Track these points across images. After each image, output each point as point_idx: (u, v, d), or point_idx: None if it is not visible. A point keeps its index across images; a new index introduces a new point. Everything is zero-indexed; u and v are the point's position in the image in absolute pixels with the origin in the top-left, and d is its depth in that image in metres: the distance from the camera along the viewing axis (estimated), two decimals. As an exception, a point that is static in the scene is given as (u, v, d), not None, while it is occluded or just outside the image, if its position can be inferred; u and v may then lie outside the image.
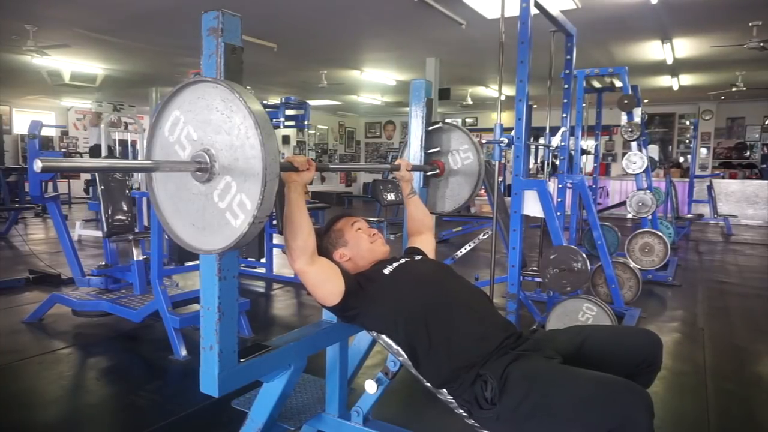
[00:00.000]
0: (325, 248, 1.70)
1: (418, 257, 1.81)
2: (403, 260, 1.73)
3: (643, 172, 5.12)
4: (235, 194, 1.15)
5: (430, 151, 2.13)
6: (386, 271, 1.64)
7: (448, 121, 2.30)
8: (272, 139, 1.12)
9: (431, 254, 1.92)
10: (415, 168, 2.03)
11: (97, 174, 3.72)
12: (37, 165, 0.90)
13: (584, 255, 2.98)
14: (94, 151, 9.06)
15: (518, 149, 3.01)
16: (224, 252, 1.19)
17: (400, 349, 1.56)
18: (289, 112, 5.46)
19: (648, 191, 5.12)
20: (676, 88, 9.78)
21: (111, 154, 8.21)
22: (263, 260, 5.07)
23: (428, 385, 1.52)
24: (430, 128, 2.19)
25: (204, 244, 1.21)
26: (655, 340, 1.51)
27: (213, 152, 1.17)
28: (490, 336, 1.49)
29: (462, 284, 1.68)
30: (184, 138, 1.22)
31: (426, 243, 1.94)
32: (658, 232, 5.03)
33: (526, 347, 1.49)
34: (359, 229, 1.76)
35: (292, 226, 1.43)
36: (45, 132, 6.14)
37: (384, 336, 1.60)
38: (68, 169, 1.01)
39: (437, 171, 2.20)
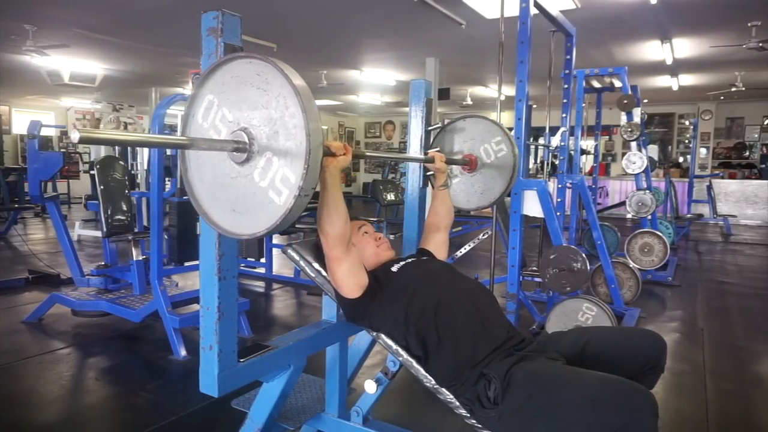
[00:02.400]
0: None
1: (424, 257, 1.82)
2: (409, 260, 1.75)
3: (643, 172, 5.12)
4: (277, 170, 1.10)
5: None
6: (394, 269, 1.66)
7: (474, 115, 2.17)
8: (312, 105, 1.07)
9: (443, 253, 1.92)
10: (449, 161, 1.99)
11: (97, 174, 3.71)
12: (75, 135, 0.87)
13: (584, 255, 2.98)
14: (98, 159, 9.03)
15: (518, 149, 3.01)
16: (272, 229, 1.13)
17: (400, 349, 1.56)
18: (288, 112, 5.44)
19: (648, 191, 5.12)
20: (675, 88, 9.78)
21: (110, 154, 8.20)
22: (263, 260, 5.07)
23: (429, 384, 1.52)
24: (456, 119, 2.11)
25: (247, 228, 1.15)
26: (659, 342, 1.51)
27: (251, 130, 1.12)
28: (492, 334, 1.50)
29: (467, 283, 1.69)
30: (219, 121, 1.17)
31: (439, 241, 1.93)
32: (658, 232, 5.03)
33: (529, 349, 1.49)
34: (366, 233, 1.77)
35: (329, 212, 1.40)
36: (44, 132, 6.14)
37: (384, 336, 1.60)
38: (103, 142, 0.95)
39: (469, 165, 2.10)
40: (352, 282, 1.54)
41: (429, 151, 1.95)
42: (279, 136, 1.09)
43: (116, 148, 9.31)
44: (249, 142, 1.12)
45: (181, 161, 1.24)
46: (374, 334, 1.63)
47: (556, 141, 3.58)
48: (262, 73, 1.10)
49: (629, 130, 4.96)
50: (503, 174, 2.07)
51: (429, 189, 2.09)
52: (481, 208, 2.19)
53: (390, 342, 1.58)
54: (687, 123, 12.27)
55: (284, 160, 1.09)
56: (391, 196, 7.49)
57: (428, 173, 2.09)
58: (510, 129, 3.09)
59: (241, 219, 1.16)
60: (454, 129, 2.15)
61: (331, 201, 1.39)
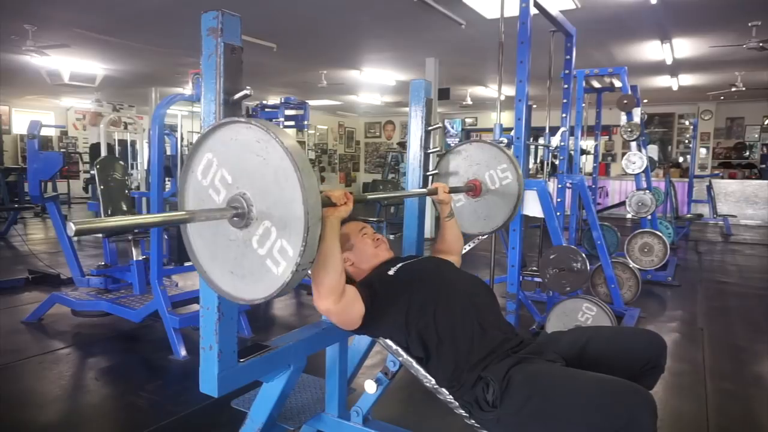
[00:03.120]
0: None
1: (423, 256, 1.81)
2: (406, 261, 1.73)
3: (643, 172, 5.12)
4: (275, 240, 1.08)
5: (429, 151, 2.11)
6: (390, 272, 1.64)
7: (481, 141, 2.15)
8: (312, 180, 1.05)
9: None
10: (453, 190, 1.97)
11: (96, 173, 3.72)
12: (71, 229, 0.84)
13: (584, 255, 2.98)
14: (94, 150, 9.05)
15: (518, 149, 3.01)
16: (269, 298, 1.12)
17: (400, 349, 1.56)
18: (288, 112, 5.44)
19: (647, 191, 5.12)
20: (675, 88, 9.78)
21: (111, 152, 8.21)
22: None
23: (428, 384, 1.52)
24: (464, 143, 2.10)
25: (244, 293, 1.15)
26: (659, 342, 1.50)
27: (249, 196, 1.10)
28: (489, 335, 1.49)
29: (466, 280, 1.68)
30: (218, 182, 1.14)
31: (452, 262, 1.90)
32: (658, 232, 5.03)
33: (528, 351, 1.49)
34: (365, 234, 1.76)
35: (325, 264, 1.32)
36: (44, 132, 6.14)
37: (384, 338, 1.59)
38: (103, 230, 0.95)
39: (473, 191, 2.07)
40: (348, 319, 1.49)
41: (432, 183, 1.93)
42: (277, 207, 1.07)
43: (116, 148, 9.32)
44: (247, 208, 1.10)
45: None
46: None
47: (556, 141, 3.59)
48: (262, 141, 1.08)
49: (629, 130, 4.96)
50: (507, 202, 2.05)
51: (429, 182, 2.07)
52: (483, 234, 2.16)
53: (390, 342, 1.58)
54: (687, 123, 12.27)
55: (282, 231, 1.07)
56: (391, 196, 7.48)
57: (429, 173, 2.09)
58: (510, 129, 3.11)
59: (239, 283, 1.16)
60: (461, 152, 2.13)
61: (329, 252, 1.32)
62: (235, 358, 1.36)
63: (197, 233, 1.21)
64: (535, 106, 5.88)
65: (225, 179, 1.14)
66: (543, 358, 1.46)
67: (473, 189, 2.07)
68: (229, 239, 1.15)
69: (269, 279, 1.10)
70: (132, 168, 8.70)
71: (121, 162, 4.03)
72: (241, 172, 1.12)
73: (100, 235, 3.87)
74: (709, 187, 9.10)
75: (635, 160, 4.99)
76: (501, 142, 2.92)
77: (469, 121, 15.34)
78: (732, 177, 11.29)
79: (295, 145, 1.07)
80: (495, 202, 2.08)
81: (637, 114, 5.06)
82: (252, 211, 1.10)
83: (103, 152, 7.22)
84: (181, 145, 7.31)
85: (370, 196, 1.63)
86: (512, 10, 3.00)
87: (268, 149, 1.08)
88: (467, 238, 2.07)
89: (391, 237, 6.37)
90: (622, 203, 5.95)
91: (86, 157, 11.89)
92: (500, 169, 2.05)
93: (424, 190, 1.94)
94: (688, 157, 11.24)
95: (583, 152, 4.96)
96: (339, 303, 1.39)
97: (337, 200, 1.34)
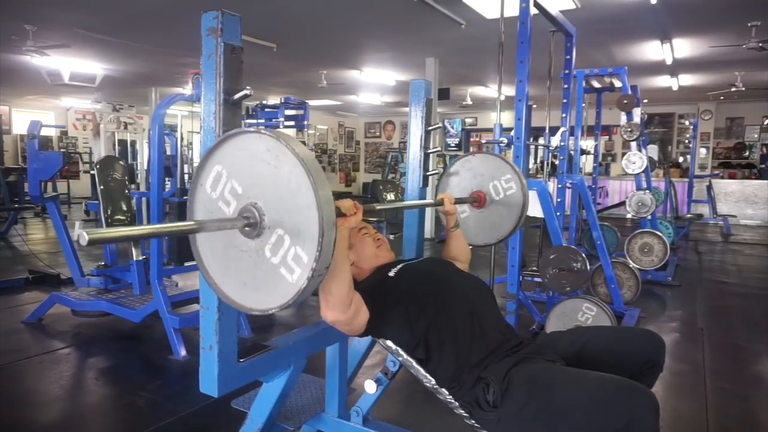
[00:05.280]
0: None
1: (423, 257, 1.81)
2: (407, 262, 1.73)
3: (643, 172, 5.12)
4: (288, 248, 1.07)
5: (429, 151, 2.11)
6: (391, 273, 1.63)
7: (484, 152, 2.17)
8: (326, 186, 1.04)
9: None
10: (458, 201, 1.97)
11: (96, 174, 3.72)
12: (84, 239, 0.83)
13: (584, 255, 2.98)
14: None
15: (518, 149, 3.02)
16: (284, 307, 1.10)
17: (400, 349, 1.56)
18: (288, 112, 5.44)
19: (647, 191, 5.12)
20: (675, 88, 9.79)
21: (112, 157, 8.20)
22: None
23: (428, 384, 1.52)
24: (466, 155, 2.11)
25: (259, 303, 1.13)
26: (658, 341, 1.51)
27: (260, 205, 1.09)
28: (489, 336, 1.49)
29: (465, 281, 1.68)
30: (228, 193, 1.13)
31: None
32: (658, 232, 5.03)
33: (528, 351, 1.48)
34: (366, 233, 1.76)
35: (335, 275, 1.31)
36: (44, 132, 6.13)
37: (385, 339, 1.59)
38: (115, 240, 0.94)
39: (478, 202, 2.07)
40: (355, 329, 1.49)
41: (438, 195, 1.93)
42: (291, 215, 1.06)
43: (116, 148, 9.31)
44: (259, 217, 1.09)
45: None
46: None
47: (556, 141, 3.59)
48: (273, 149, 1.07)
49: (629, 130, 4.96)
50: (512, 212, 2.05)
51: (430, 182, 2.07)
52: (489, 244, 2.16)
53: (390, 342, 1.58)
54: (687, 123, 12.28)
55: (296, 238, 1.06)
56: (391, 196, 7.49)
57: (429, 173, 2.09)
58: (510, 129, 3.11)
59: (252, 294, 1.14)
60: (464, 164, 2.13)
61: (338, 263, 1.31)
62: (235, 358, 1.36)
63: (208, 248, 1.20)
64: (535, 106, 5.89)
65: (235, 190, 1.12)
66: (543, 358, 1.46)
67: (478, 200, 2.07)
68: (240, 251, 1.13)
69: (284, 287, 1.08)
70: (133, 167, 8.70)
71: (121, 162, 4.03)
72: (252, 182, 1.11)
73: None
74: (709, 187, 9.11)
75: (635, 160, 4.99)
76: (501, 143, 2.92)
77: (469, 121, 15.34)
78: (732, 177, 11.29)
79: (307, 152, 1.06)
80: (500, 213, 2.07)
81: (637, 114, 5.06)
82: (264, 220, 1.09)
83: (104, 152, 7.22)
84: (181, 145, 7.31)
85: (379, 206, 1.61)
86: (512, 10, 3.01)
87: (279, 157, 1.07)
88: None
89: (391, 237, 6.36)
90: (622, 203, 5.95)
91: (86, 158, 11.91)
92: (504, 180, 2.05)
93: (431, 201, 1.94)
94: (688, 157, 11.24)
95: (583, 152, 4.96)
96: (347, 313, 1.39)
97: (347, 211, 1.35)
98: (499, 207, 2.07)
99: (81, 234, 0.83)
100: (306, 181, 1.04)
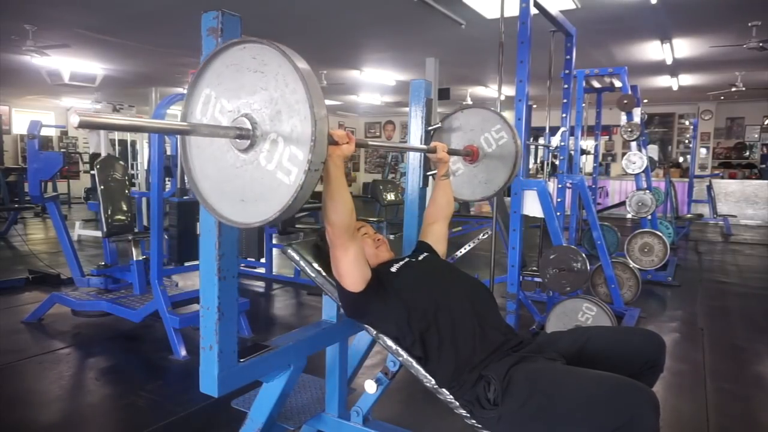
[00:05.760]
0: None
1: (422, 257, 1.81)
2: (408, 259, 1.74)
3: (643, 172, 5.12)
4: (283, 150, 1.08)
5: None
6: (393, 269, 1.65)
7: (472, 106, 2.15)
8: (312, 77, 1.05)
9: (442, 247, 1.91)
10: (451, 152, 1.97)
11: (97, 174, 3.71)
12: (75, 119, 0.85)
13: (584, 255, 2.98)
14: (95, 159, 9.01)
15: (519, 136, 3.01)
16: (284, 211, 1.09)
17: (400, 349, 1.56)
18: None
19: (647, 191, 5.12)
20: (675, 88, 9.78)
21: (111, 156, 8.21)
22: (263, 260, 5.07)
23: (428, 384, 1.52)
24: (453, 112, 2.10)
25: (260, 214, 1.12)
26: (658, 341, 1.51)
27: (253, 115, 1.10)
28: (489, 336, 1.50)
29: (466, 282, 1.68)
30: (218, 113, 1.15)
31: (439, 234, 1.92)
32: (658, 232, 5.03)
33: (528, 350, 1.49)
34: (365, 234, 1.77)
35: (334, 202, 1.39)
36: (44, 132, 6.14)
37: (385, 337, 1.60)
38: (103, 126, 0.95)
39: (470, 156, 2.07)
40: (356, 273, 1.52)
41: (432, 143, 1.93)
42: (282, 115, 1.08)
43: (116, 147, 9.30)
44: (252, 127, 1.10)
45: (183, 160, 1.22)
46: (374, 333, 1.63)
47: (556, 141, 3.58)
48: (258, 56, 1.09)
49: (629, 130, 4.96)
50: (506, 162, 2.04)
51: (430, 182, 2.08)
52: (486, 198, 2.16)
53: (390, 342, 1.58)
54: (687, 123, 12.28)
55: (290, 137, 1.07)
56: (391, 196, 7.49)
57: (429, 173, 2.09)
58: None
59: (251, 208, 1.14)
60: (452, 122, 2.13)
61: (336, 190, 1.38)
62: (235, 358, 1.36)
63: (203, 176, 1.20)
64: (535, 106, 5.89)
65: (225, 108, 1.14)
66: (544, 357, 1.46)
67: (471, 154, 2.07)
68: (235, 168, 1.14)
69: (283, 190, 1.08)
70: (132, 168, 8.70)
71: (121, 162, 4.03)
72: (241, 95, 1.12)
73: (100, 235, 3.86)
74: (709, 187, 9.10)
75: (635, 160, 4.99)
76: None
77: (469, 121, 15.32)
78: (732, 177, 11.29)
79: (290, 50, 1.07)
80: (494, 165, 2.07)
81: (637, 114, 5.06)
82: (257, 129, 1.10)
83: (103, 152, 7.21)
84: (181, 145, 7.29)
85: (371, 142, 1.63)
86: (512, 10, 3.00)
87: (266, 61, 1.08)
88: (467, 235, 2.06)
89: (391, 237, 6.36)
90: (622, 203, 5.95)
91: (86, 158, 11.90)
92: (494, 131, 2.05)
93: (423, 146, 1.94)
94: (688, 157, 11.24)
95: (583, 152, 4.96)
96: (353, 242, 1.47)
97: (340, 139, 1.37)
98: (492, 159, 2.07)
99: (73, 115, 0.86)
100: (294, 76, 1.05)
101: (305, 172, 1.04)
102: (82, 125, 0.86)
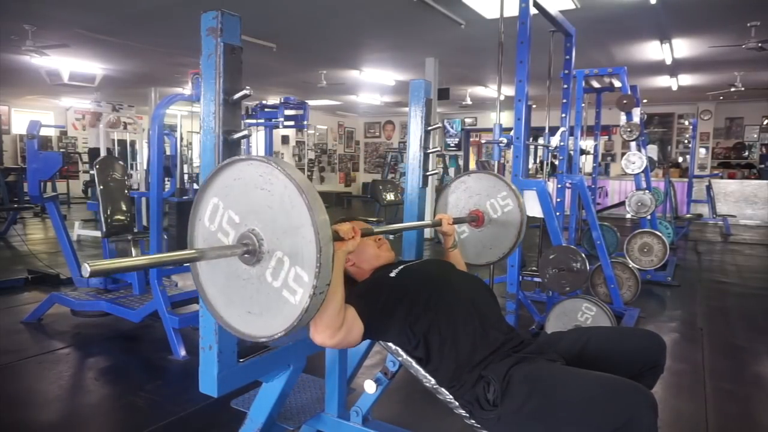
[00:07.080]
0: None
1: (422, 258, 1.81)
2: (407, 263, 1.73)
3: (642, 172, 5.12)
4: (289, 269, 1.08)
5: (429, 151, 2.11)
6: (392, 274, 1.63)
7: (479, 171, 2.15)
8: (318, 202, 1.06)
9: (461, 266, 1.90)
10: (456, 221, 1.98)
11: (96, 174, 3.72)
12: (86, 270, 0.87)
13: (583, 255, 2.98)
14: (93, 154, 9.04)
15: (517, 149, 3.02)
16: (289, 332, 1.11)
17: (399, 349, 1.56)
18: (288, 112, 5.45)
19: (647, 191, 5.12)
20: (675, 88, 9.79)
21: (110, 154, 8.21)
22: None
23: (428, 384, 1.52)
24: (461, 175, 2.12)
25: (265, 329, 1.14)
26: (659, 342, 1.51)
27: (258, 231, 1.11)
28: (490, 336, 1.49)
29: (466, 281, 1.68)
30: (226, 224, 1.15)
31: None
32: (657, 232, 5.03)
33: (528, 350, 1.49)
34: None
35: (326, 299, 1.27)
36: (44, 132, 6.15)
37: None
38: (117, 270, 0.95)
39: (476, 221, 2.08)
40: (349, 345, 1.47)
41: (436, 216, 1.93)
42: (287, 235, 1.08)
43: (115, 149, 9.31)
44: (258, 243, 1.10)
45: (192, 266, 1.22)
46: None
47: (555, 141, 3.58)
48: (265, 174, 1.09)
49: (629, 130, 4.96)
50: (511, 229, 2.04)
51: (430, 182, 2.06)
52: (491, 263, 2.17)
53: (390, 342, 1.58)
54: (686, 123, 12.27)
55: (295, 258, 1.07)
56: (390, 196, 7.51)
57: (429, 173, 2.09)
58: (509, 129, 3.11)
59: (257, 321, 1.15)
60: (460, 185, 2.14)
61: (333, 288, 1.26)
62: (234, 358, 1.36)
63: (210, 282, 1.21)
64: (534, 106, 5.89)
65: (232, 220, 1.14)
66: (544, 358, 1.46)
67: (476, 219, 2.07)
68: (242, 279, 1.14)
69: (288, 310, 1.09)
70: (131, 168, 8.70)
71: (121, 162, 4.03)
72: (248, 210, 1.12)
73: (100, 235, 3.86)
74: (709, 187, 9.11)
75: (635, 160, 4.99)
76: (501, 143, 2.92)
77: (468, 121, 15.34)
78: (731, 177, 11.29)
79: (298, 172, 1.08)
80: (499, 231, 2.07)
81: (636, 114, 5.06)
82: (263, 245, 1.10)
83: (103, 152, 7.22)
84: (181, 145, 7.31)
85: (377, 229, 1.59)
86: (512, 10, 3.00)
87: (272, 180, 1.08)
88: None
89: (391, 237, 6.37)
90: (622, 203, 5.95)
91: (86, 157, 11.90)
92: (500, 197, 2.04)
93: (429, 222, 1.94)
94: (688, 157, 11.24)
95: (583, 152, 4.96)
96: (335, 337, 1.37)
97: (345, 234, 1.35)
98: (497, 225, 2.07)
99: (84, 266, 0.88)
100: (299, 199, 1.05)
101: (310, 297, 1.05)
102: (94, 274, 0.89)
